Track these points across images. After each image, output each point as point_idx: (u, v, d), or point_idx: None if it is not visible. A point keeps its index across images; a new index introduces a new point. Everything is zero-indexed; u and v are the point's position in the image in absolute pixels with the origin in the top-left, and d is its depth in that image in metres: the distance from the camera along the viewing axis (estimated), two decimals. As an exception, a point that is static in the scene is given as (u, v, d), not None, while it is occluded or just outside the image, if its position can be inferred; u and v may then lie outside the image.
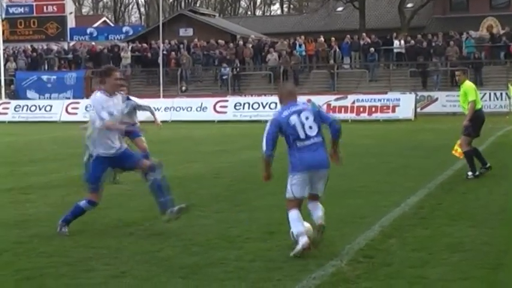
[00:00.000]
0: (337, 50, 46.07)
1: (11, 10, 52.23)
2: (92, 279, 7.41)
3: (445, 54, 43.88)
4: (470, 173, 14.32)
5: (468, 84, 14.67)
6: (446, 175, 14.76)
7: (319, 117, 8.60)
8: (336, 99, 36.75)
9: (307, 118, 8.52)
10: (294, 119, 8.51)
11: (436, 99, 38.79)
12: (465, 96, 14.53)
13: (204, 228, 9.78)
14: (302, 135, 8.49)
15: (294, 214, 8.43)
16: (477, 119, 14.54)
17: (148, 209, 11.37)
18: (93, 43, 53.85)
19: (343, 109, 36.19)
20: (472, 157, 14.37)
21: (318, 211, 8.70)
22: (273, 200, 11.91)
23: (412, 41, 45.05)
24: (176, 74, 47.25)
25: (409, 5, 58.71)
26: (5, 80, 46.70)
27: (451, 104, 38.26)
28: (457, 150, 14.74)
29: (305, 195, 8.64)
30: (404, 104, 36.02)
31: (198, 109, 38.75)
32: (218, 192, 13.09)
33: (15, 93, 47.44)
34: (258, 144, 16.74)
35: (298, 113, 8.56)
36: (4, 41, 49.04)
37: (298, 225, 8.34)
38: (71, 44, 56.72)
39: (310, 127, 8.51)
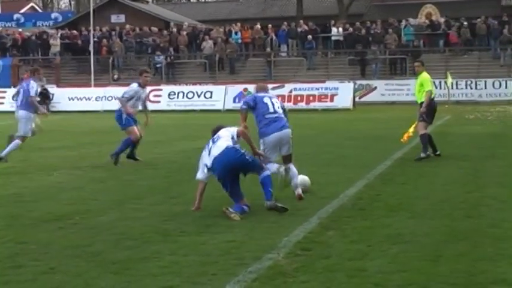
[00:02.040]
0: (274, 37, 46.25)
1: None
2: (20, 276, 7.32)
3: (384, 42, 44.39)
4: (422, 154, 15.68)
5: (425, 75, 16.02)
6: (385, 165, 14.93)
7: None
8: (273, 88, 36.86)
9: (276, 102, 11.78)
10: (266, 99, 11.65)
11: (375, 88, 39.23)
12: (421, 86, 15.97)
13: (139, 221, 9.74)
14: (271, 110, 11.52)
15: (271, 165, 11.26)
16: (431, 107, 15.99)
17: (79, 202, 11.31)
18: (20, 30, 53.05)
19: (280, 98, 36.16)
20: (426, 139, 15.78)
21: (295, 179, 11.40)
22: (209, 191, 11.91)
23: (351, 29, 45.44)
24: (108, 62, 46.84)
25: (348, -8, 59.27)
26: None
27: (389, 93, 38.80)
28: (409, 133, 16.27)
29: (275, 158, 11.55)
30: (343, 93, 36.29)
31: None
32: (154, 184, 13.04)
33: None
34: (193, 135, 16.81)
35: (270, 97, 11.85)
36: None
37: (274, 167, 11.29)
38: (-4, 30, 55.85)
39: (278, 107, 11.67)
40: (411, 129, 16.29)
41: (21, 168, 15.64)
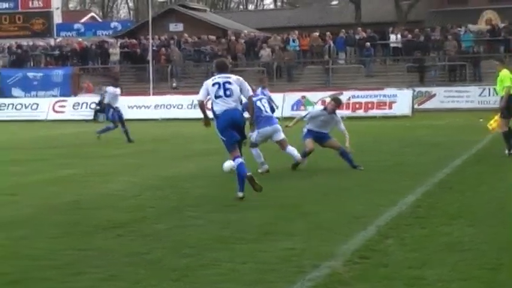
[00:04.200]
0: (332, 44, 46.08)
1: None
2: (80, 283, 7.38)
3: (443, 49, 43.92)
4: (507, 151, 16.98)
5: (504, 72, 17.37)
6: (445, 173, 14.76)
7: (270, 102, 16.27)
8: (332, 95, 36.73)
9: (265, 102, 15.70)
10: (258, 103, 15.20)
11: (434, 95, 38.82)
12: (501, 82, 17.38)
13: (196, 229, 9.76)
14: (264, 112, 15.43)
15: (255, 151, 15.29)
16: (510, 102, 17.21)
17: (137, 209, 11.39)
18: (81, 39, 53.78)
19: (338, 106, 36.20)
20: (508, 136, 17.13)
21: (294, 152, 15.41)
22: (266, 199, 11.93)
23: (409, 36, 45.07)
24: (166, 71, 47.22)
25: (406, -2, 58.86)
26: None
27: (449, 100, 38.37)
28: (492, 125, 18.18)
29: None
30: (401, 100, 36.06)
31: (189, 106, 38.65)
32: (210, 191, 13.08)
33: (0, 91, 47.33)
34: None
35: (260, 99, 15.61)
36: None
37: (260, 157, 15.37)
38: (58, 40, 56.59)
39: (266, 108, 15.54)
40: (492, 122, 17.95)
41: (80, 175, 15.83)
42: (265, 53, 46.18)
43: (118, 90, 25.16)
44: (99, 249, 8.73)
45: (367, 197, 11.94)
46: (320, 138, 16.03)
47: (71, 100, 42.84)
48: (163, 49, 48.32)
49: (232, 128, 12.24)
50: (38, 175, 15.99)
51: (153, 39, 47.06)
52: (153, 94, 42.57)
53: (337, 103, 16.52)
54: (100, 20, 76.38)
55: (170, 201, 12.12)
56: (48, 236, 9.49)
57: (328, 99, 36.47)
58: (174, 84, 46.22)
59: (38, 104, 42.55)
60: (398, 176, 14.44)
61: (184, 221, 10.37)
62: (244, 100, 13.07)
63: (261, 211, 10.91)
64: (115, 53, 49.20)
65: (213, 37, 49.50)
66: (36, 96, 46.38)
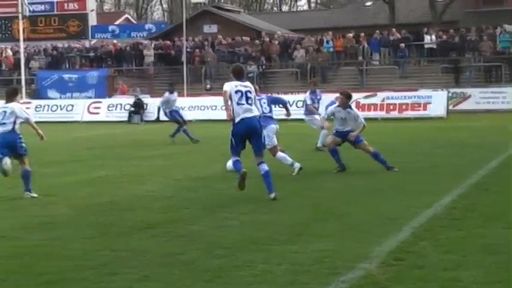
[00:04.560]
0: (366, 46, 45.91)
1: (31, 8, 52.54)
2: (115, 283, 7.44)
3: (479, 49, 43.56)
4: None
5: None
6: (480, 175, 14.66)
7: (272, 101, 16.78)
8: (365, 97, 36.63)
9: (264, 103, 16.28)
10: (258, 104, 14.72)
11: (469, 96, 38.51)
12: None
13: (230, 230, 9.79)
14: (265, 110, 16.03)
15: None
16: None
17: (171, 210, 11.44)
18: (115, 41, 54.10)
19: (372, 107, 36.10)
20: None
21: (286, 157, 15.63)
22: (299, 200, 11.93)
23: (444, 36, 44.78)
24: (200, 72, 47.33)
25: (441, -1, 58.49)
26: (25, 79, 47.00)
27: (484, 101, 38.04)
28: None
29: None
30: (436, 101, 35.83)
31: (224, 108, 38.69)
32: (244, 193, 13.08)
33: (36, 92, 47.70)
34: (284, 144, 16.82)
35: (260, 99, 15.80)
36: (24, 40, 49.33)
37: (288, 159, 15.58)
38: (93, 42, 56.99)
39: (264, 108, 16.04)
40: None
41: (115, 176, 15.93)
42: (299, 54, 46.15)
43: (174, 95, 25.56)
44: (134, 249, 8.78)
45: (402, 199, 11.90)
46: (344, 136, 15.95)
47: (106, 101, 43.09)
48: (197, 50, 48.47)
49: (245, 137, 12.59)
50: (74, 176, 16.12)
51: (187, 40, 47.23)
52: (187, 95, 42.69)
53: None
54: (134, 21, 76.79)
55: (204, 202, 12.16)
56: (84, 237, 9.57)
57: (362, 101, 36.58)
58: (208, 86, 46.30)
59: (73, 106, 42.84)
60: (433, 178, 14.36)
61: (218, 222, 10.40)
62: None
63: (294, 212, 10.92)
64: (149, 54, 49.42)
65: (247, 38, 49.55)
66: (72, 97, 46.71)
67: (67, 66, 52.63)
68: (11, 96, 14.28)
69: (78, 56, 52.66)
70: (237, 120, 12.56)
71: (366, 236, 9.18)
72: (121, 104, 41.78)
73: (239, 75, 12.98)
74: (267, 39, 49.06)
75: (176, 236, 9.55)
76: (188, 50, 47.18)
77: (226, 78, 48.59)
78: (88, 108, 42.23)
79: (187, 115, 38.83)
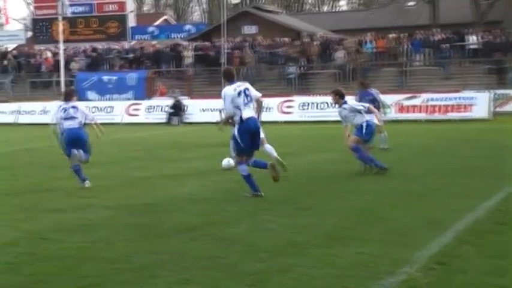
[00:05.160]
0: (408, 46, 45.65)
1: (71, 9, 53.02)
2: (155, 286, 7.49)
3: (523, 50, 43.12)
4: None
5: None
6: (525, 178, 14.53)
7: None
8: (407, 98, 36.46)
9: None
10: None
11: (514, 97, 38.17)
12: None
13: (270, 233, 9.81)
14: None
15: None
16: None
17: (211, 213, 11.48)
18: (155, 42, 54.38)
19: (414, 109, 35.92)
20: None
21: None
22: (339, 203, 11.92)
23: (489, 36, 44.37)
24: (240, 73, 47.38)
25: (485, -2, 58.00)
26: (65, 81, 47.42)
27: (530, 102, 37.66)
28: None
29: None
30: (480, 103, 35.54)
31: (263, 110, 38.75)
32: (283, 195, 13.11)
33: (75, 94, 47.94)
34: (324, 146, 16.82)
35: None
36: (64, 41, 49.79)
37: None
38: (132, 43, 57.33)
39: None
40: None
41: (153, 178, 16.03)
42: (339, 55, 46.05)
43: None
44: (174, 252, 8.84)
45: (443, 202, 11.84)
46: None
47: (145, 103, 43.38)
48: (236, 51, 48.54)
49: (252, 136, 13.00)
50: (113, 178, 16.26)
51: (226, 41, 47.33)
52: (227, 97, 42.70)
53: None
54: (174, 22, 77.14)
55: (244, 205, 12.19)
56: (124, 239, 9.65)
57: (404, 102, 36.41)
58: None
59: (112, 107, 43.18)
60: (475, 181, 14.25)
61: (258, 225, 10.43)
62: None
63: (335, 215, 10.91)
64: (188, 55, 49.61)
65: (287, 39, 49.55)
66: (111, 99, 47.03)
67: (106, 67, 52.98)
68: (69, 97, 15.89)
69: (117, 57, 52.95)
70: (244, 118, 12.93)
71: (407, 240, 9.14)
72: (160, 106, 42.02)
73: (232, 78, 13.32)
74: (307, 40, 49.03)
75: (216, 238, 9.59)
76: (227, 51, 47.28)
77: (265, 80, 48.90)
78: (127, 110, 42.53)
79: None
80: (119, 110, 42.66)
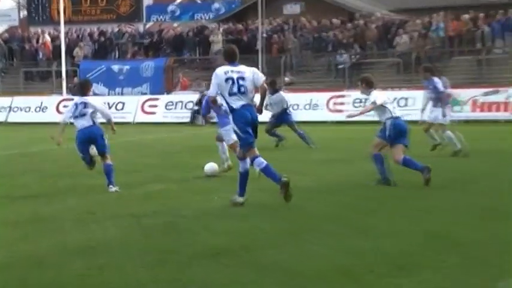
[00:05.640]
0: (487, 30, 45.35)
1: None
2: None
3: None
4: None
5: None
6: None
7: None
8: (485, 94, 36.22)
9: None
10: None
11: None
12: None
13: (316, 259, 9.75)
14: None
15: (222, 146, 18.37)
16: None
17: (243, 233, 11.44)
18: (176, 24, 54.51)
19: (494, 106, 35.69)
20: None
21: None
22: (402, 223, 11.84)
23: None
24: (279, 63, 47.36)
25: None
26: (66, 71, 47.61)
27: None
28: None
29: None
30: None
31: (307, 107, 38.77)
32: (333, 212, 13.05)
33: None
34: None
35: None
36: (66, 23, 49.97)
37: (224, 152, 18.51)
38: (148, 25, 57.50)
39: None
40: None
41: (174, 190, 16.04)
42: (401, 40, 45.89)
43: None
44: (199, 281, 8.82)
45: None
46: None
47: (164, 99, 43.52)
48: (275, 36, 48.53)
49: (249, 126, 13.69)
50: (124, 190, 16.27)
51: (263, 24, 47.33)
52: (263, 91, 42.73)
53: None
54: (199, 0, 77.31)
55: (284, 223, 12.15)
56: (138, 265, 9.64)
57: (481, 99, 36.18)
58: (287, 79, 46.28)
59: (123, 104, 43.41)
60: None
61: (301, 247, 10.38)
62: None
63: (397, 237, 10.83)
64: (217, 40, 49.66)
65: (337, 21, 49.46)
66: (122, 93, 47.19)
67: (116, 55, 53.18)
68: (84, 90, 16.91)
69: (130, 42, 53.16)
70: (235, 107, 13.63)
71: (488, 268, 9.06)
72: (182, 102, 42.16)
73: (232, 58, 13.94)
74: (362, 22, 48.89)
75: (248, 264, 9.56)
76: (264, 35, 47.30)
77: (310, 71, 48.77)
78: (142, 106, 42.71)
79: (263, 115, 38.89)
80: (131, 107, 42.85)
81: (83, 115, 16.20)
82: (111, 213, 13.49)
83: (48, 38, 54.47)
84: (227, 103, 13.73)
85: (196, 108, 40.41)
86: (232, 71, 13.66)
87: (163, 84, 47.23)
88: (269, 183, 15.06)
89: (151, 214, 13.31)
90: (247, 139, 13.64)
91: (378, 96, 16.40)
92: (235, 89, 13.55)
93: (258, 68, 44.07)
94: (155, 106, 42.67)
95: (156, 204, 14.41)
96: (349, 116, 18.05)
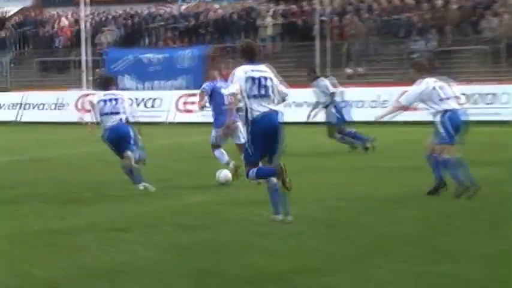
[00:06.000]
0: None
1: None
2: None
3: None
4: None
5: None
6: None
7: None
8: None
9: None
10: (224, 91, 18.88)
11: None
12: None
13: (386, 284, 9.75)
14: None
15: (218, 152, 19.77)
16: None
17: (297, 254, 11.45)
18: (217, 5, 54.55)
19: None
20: None
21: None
22: (489, 246, 11.78)
23: None
24: (341, 51, 47.23)
25: None
26: (88, 61, 47.62)
27: None
28: None
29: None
30: None
31: (374, 104, 38.67)
32: (407, 231, 13.02)
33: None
34: (473, 158, 16.67)
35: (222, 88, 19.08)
36: (87, 4, 50.03)
37: (224, 159, 19.58)
38: (184, 7, 57.56)
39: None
40: None
41: (216, 203, 16.06)
42: (489, 24, 45.57)
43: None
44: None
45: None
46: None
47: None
48: (336, 19, 48.41)
49: (266, 139, 13.69)
50: (157, 202, 16.35)
51: (322, 4, 47.26)
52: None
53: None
54: (245, -24, 77.44)
55: (349, 243, 12.13)
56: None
57: None
58: (350, 71, 46.12)
59: (155, 100, 43.46)
60: None
61: (368, 274, 10.37)
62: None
63: (481, 263, 10.77)
64: (266, 25, 49.59)
65: (411, 1, 49.25)
66: (154, 88, 47.16)
67: (147, 42, 53.25)
68: (107, 86, 18.04)
69: (164, 27, 53.21)
70: (254, 116, 13.72)
71: None
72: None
73: (251, 56, 14.03)
74: (441, 2, 48.63)
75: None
76: (324, 18, 47.21)
77: (377, 60, 48.55)
78: (177, 103, 42.74)
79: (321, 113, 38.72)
80: (166, 104, 42.93)
81: (113, 113, 17.37)
82: (141, 229, 13.54)
83: (66, 22, 54.70)
84: (246, 108, 13.83)
85: (241, 105, 40.34)
86: (252, 70, 13.74)
87: (204, 77, 47.16)
88: (342, 200, 15.12)
89: (189, 230, 13.36)
90: (256, 155, 13.80)
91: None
92: (255, 91, 13.64)
93: (314, 58, 44.31)
94: (193, 103, 42.68)
95: (193, 219, 14.44)
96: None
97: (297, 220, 14.07)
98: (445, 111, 16.13)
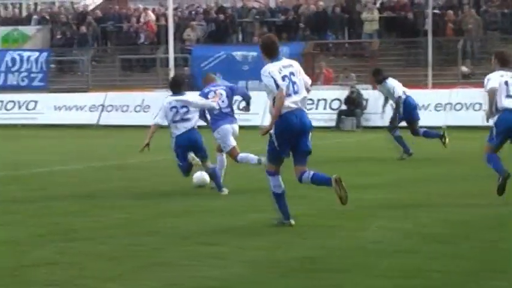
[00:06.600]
0: None
1: None
2: None
3: None
4: None
5: None
6: None
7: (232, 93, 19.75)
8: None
9: (221, 94, 19.12)
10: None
11: None
12: None
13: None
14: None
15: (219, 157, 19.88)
16: None
17: (410, 273, 11.36)
18: (318, -3, 54.53)
19: None
20: None
21: (248, 156, 19.26)
22: None
23: None
24: (455, 48, 46.85)
25: None
26: (175, 58, 47.71)
27: None
28: None
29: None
30: None
31: (476, 107, 38.41)
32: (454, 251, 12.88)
33: (191, 80, 48.26)
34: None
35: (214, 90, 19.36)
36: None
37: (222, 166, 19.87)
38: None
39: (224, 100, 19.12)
40: None
41: (316, 216, 16.03)
42: None
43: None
44: None
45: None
46: None
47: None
48: (450, 12, 48.04)
49: (295, 136, 14.20)
50: (250, 214, 16.36)
51: (433, -4, 47.03)
52: (433, 86, 42.44)
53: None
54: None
55: (466, 262, 12.02)
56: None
57: None
58: (465, 69, 45.72)
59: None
60: None
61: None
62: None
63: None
64: (371, 18, 49.40)
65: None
66: (246, 88, 47.16)
67: (240, 38, 53.31)
68: (177, 88, 18.65)
69: (258, 21, 53.23)
70: (283, 112, 14.08)
71: None
72: (325, 100, 42.20)
73: (273, 52, 14.25)
74: None
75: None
76: (436, 11, 46.93)
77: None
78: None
79: (431, 117, 38.47)
80: (258, 106, 42.79)
81: (186, 120, 18.11)
82: (235, 245, 13.54)
83: (152, 16, 54.97)
84: (275, 104, 14.04)
85: (344, 108, 40.42)
86: (284, 68, 13.94)
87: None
88: (452, 213, 15.04)
89: (287, 247, 13.33)
90: (281, 153, 14.28)
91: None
92: (290, 89, 13.89)
93: (426, 55, 44.05)
94: (290, 105, 42.66)
95: (289, 233, 14.40)
96: None
97: (407, 236, 14.00)
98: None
